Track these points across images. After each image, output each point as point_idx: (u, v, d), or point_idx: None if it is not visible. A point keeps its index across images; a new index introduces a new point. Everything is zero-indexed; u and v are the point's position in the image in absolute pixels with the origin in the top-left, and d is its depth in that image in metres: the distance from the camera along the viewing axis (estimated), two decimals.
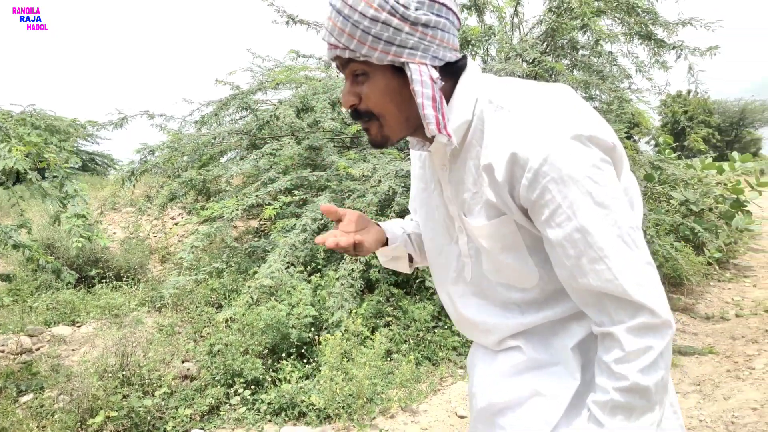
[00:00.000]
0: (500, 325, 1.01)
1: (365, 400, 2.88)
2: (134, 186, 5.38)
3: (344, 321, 3.65)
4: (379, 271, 4.30)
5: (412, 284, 4.78)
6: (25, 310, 4.76)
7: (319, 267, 4.51)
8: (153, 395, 3.07)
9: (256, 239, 5.57)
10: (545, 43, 5.76)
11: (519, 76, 5.51)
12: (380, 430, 2.77)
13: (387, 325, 4.04)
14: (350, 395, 2.85)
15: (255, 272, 4.21)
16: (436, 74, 0.87)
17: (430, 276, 4.06)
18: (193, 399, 3.19)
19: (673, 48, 5.59)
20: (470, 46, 6.19)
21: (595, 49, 5.59)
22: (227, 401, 3.24)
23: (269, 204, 4.69)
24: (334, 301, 3.77)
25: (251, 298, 3.80)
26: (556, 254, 0.85)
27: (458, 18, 0.91)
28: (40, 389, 3.55)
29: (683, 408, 3.18)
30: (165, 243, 7.38)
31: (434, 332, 3.98)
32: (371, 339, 3.41)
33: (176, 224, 8.45)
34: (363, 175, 4.46)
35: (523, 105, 0.85)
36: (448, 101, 0.92)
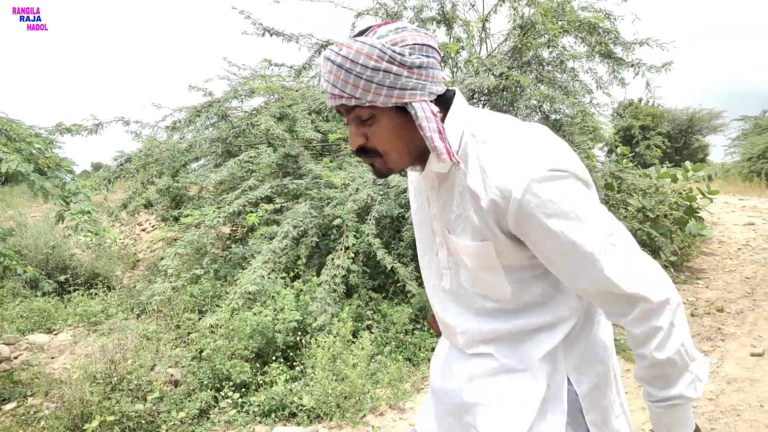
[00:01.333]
0: (474, 330, 1.11)
1: (356, 399, 3.01)
2: (108, 192, 5.35)
3: (327, 325, 3.78)
4: (357, 276, 4.44)
5: (389, 288, 4.94)
6: None
7: (299, 273, 4.61)
8: (144, 400, 3.12)
9: (231, 246, 5.61)
10: (512, 58, 6.04)
11: (487, 89, 5.77)
12: (372, 427, 2.91)
13: (368, 328, 4.18)
14: (341, 395, 2.98)
15: (236, 279, 4.28)
16: (436, 108, 0.99)
17: (411, 281, 4.23)
18: (183, 403, 3.26)
19: (632, 66, 5.96)
20: (442, 62, 6.42)
21: (560, 66, 5.90)
22: (216, 404, 3.32)
23: (251, 211, 4.77)
24: (317, 306, 3.88)
25: (236, 304, 3.88)
26: (555, 268, 0.97)
27: (440, 54, 1.02)
28: (24, 397, 3.54)
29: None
30: (134, 250, 7.32)
31: (413, 334, 4.14)
32: (356, 341, 3.54)
33: (144, 230, 8.37)
34: (343, 184, 4.59)
35: (504, 140, 0.97)
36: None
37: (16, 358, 4.08)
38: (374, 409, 3.09)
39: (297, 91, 5.83)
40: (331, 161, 5.59)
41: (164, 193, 5.73)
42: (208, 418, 3.23)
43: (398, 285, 4.82)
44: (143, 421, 3.02)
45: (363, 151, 1.03)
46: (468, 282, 1.10)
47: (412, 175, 1.25)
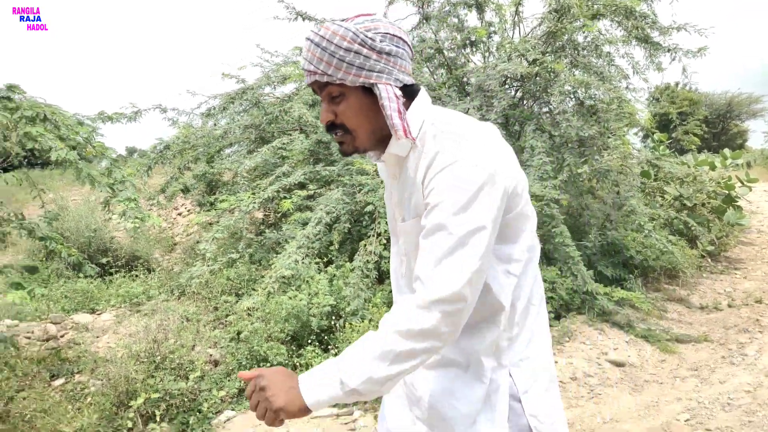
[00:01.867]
0: None
1: None
2: (149, 177, 5.51)
3: (360, 309, 3.84)
4: (389, 262, 4.48)
5: None
6: (39, 299, 4.88)
7: (332, 258, 4.68)
8: (186, 378, 3.24)
9: (265, 231, 5.72)
10: (546, 43, 5.95)
11: (521, 75, 5.70)
12: None
13: None
14: None
15: (271, 263, 4.37)
16: (399, 92, 1.07)
17: None
18: (222, 382, 3.37)
19: (668, 51, 5.81)
20: (473, 47, 6.37)
21: (595, 51, 5.79)
22: None
23: (284, 197, 4.85)
24: (350, 291, 3.95)
25: (272, 288, 3.97)
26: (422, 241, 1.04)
27: (411, 50, 1.12)
28: (71, 374, 3.70)
29: (682, 391, 3.42)
30: (170, 233, 7.51)
31: None
32: None
33: (180, 215, 8.57)
34: (375, 170, 4.63)
35: (455, 136, 1.05)
36: None
37: (62, 336, 4.26)
38: None
39: None
40: None
41: (200, 178, 5.86)
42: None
43: None
44: (185, 399, 3.14)
45: (332, 128, 1.12)
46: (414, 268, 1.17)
47: (382, 169, 1.31)
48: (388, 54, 1.05)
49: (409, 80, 1.10)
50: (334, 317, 3.87)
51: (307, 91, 5.83)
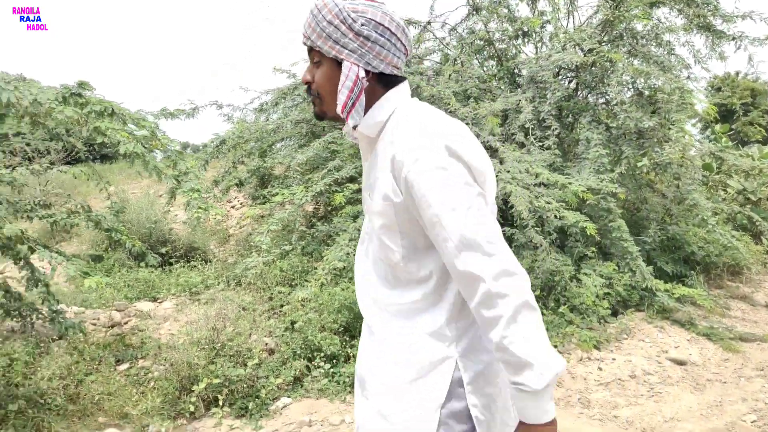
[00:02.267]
0: (374, 296, 1.22)
1: None
2: (206, 171, 5.68)
3: None
4: None
5: None
6: (102, 287, 5.11)
7: None
8: (245, 365, 3.34)
9: (316, 223, 5.80)
10: (603, 32, 5.77)
11: (575, 66, 5.56)
12: None
13: None
14: None
15: (324, 255, 4.44)
16: (362, 74, 1.12)
17: None
18: (279, 370, 3.45)
19: (733, 39, 5.54)
20: (525, 37, 6.25)
21: (655, 40, 5.58)
22: (309, 373, 3.49)
23: (336, 191, 4.91)
24: None
25: (325, 279, 4.03)
26: (432, 238, 1.06)
27: (403, 43, 1.16)
28: (135, 359, 3.87)
29: (748, 392, 3.29)
30: (225, 226, 7.72)
31: None
32: None
33: (233, 207, 8.80)
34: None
35: (415, 121, 1.10)
36: (374, 102, 1.16)
37: (126, 323, 4.45)
38: None
39: None
40: None
41: (254, 173, 6.00)
42: (302, 386, 3.41)
43: None
44: (244, 385, 3.23)
45: (309, 89, 1.21)
46: (376, 246, 1.20)
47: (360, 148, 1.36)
48: (366, 38, 1.11)
49: (385, 68, 1.15)
50: None
51: None
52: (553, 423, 1.01)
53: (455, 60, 6.32)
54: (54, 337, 3.85)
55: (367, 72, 1.13)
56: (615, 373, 3.61)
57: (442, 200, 1.01)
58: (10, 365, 3.35)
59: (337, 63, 1.13)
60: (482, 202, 1.04)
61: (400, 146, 1.07)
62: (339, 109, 1.12)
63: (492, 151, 4.95)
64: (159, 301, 4.92)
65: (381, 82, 1.17)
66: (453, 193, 1.02)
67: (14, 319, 3.81)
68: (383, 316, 1.20)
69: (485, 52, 6.66)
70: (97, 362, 3.67)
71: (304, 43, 1.18)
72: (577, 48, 5.53)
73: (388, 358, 1.17)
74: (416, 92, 5.26)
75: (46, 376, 3.28)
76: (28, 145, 7.97)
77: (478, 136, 4.91)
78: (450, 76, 5.86)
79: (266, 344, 3.85)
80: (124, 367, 3.80)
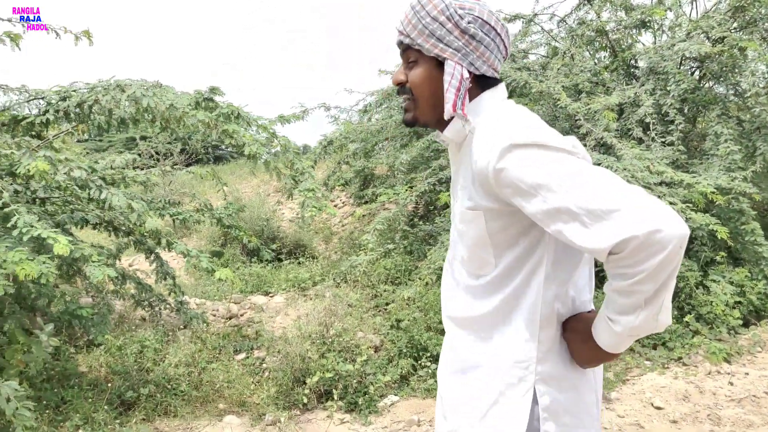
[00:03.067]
0: (457, 306, 1.14)
1: None
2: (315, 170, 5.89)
3: None
4: None
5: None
6: (231, 280, 5.44)
7: None
8: (353, 361, 3.40)
9: (419, 222, 5.81)
10: (733, 18, 5.27)
11: (701, 55, 5.12)
12: None
13: None
14: None
15: (429, 254, 4.43)
16: (467, 75, 1.05)
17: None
18: (386, 368, 3.49)
19: None
20: (644, 27, 5.85)
21: None
22: (415, 372, 3.49)
23: (440, 191, 4.89)
24: None
25: (429, 278, 4.02)
26: (547, 228, 0.95)
27: (505, 46, 1.09)
28: (250, 349, 4.08)
29: None
30: (329, 224, 7.97)
31: None
32: None
33: (335, 206, 9.06)
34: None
35: (495, 123, 1.01)
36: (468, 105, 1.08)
37: (242, 315, 4.71)
38: None
39: None
40: None
41: (359, 173, 6.14)
42: (408, 384, 3.42)
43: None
44: (354, 381, 3.30)
45: (402, 91, 1.13)
46: (463, 252, 1.12)
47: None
48: (471, 36, 1.05)
49: (486, 70, 1.08)
50: None
51: None
52: (617, 357, 1.02)
53: (564, 53, 6.06)
54: (179, 327, 4.16)
55: (469, 73, 1.06)
56: (748, 389, 3.28)
57: (544, 175, 0.91)
58: (141, 351, 3.65)
59: (438, 63, 1.07)
60: (577, 161, 0.92)
61: (486, 145, 0.98)
62: (449, 108, 1.04)
63: (607, 148, 4.69)
64: (270, 295, 5.16)
65: (479, 85, 1.10)
66: (553, 177, 0.90)
67: (145, 308, 4.16)
68: (461, 333, 1.15)
69: (596, 44, 6.33)
70: (217, 351, 3.91)
71: (401, 42, 1.11)
72: (704, 36, 5.09)
73: (465, 380, 1.12)
74: (524, 88, 5.11)
75: (173, 362, 3.54)
76: (154, 148, 8.73)
77: (591, 132, 4.67)
78: (558, 69, 5.63)
79: (372, 342, 3.90)
80: (241, 356, 4.02)
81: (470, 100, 1.09)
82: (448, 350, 1.21)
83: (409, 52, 1.10)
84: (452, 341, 1.18)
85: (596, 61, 6.45)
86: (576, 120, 5.13)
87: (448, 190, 4.86)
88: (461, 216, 1.09)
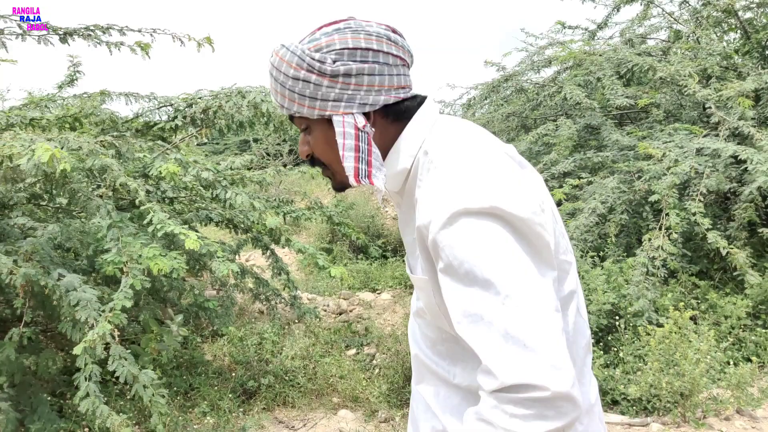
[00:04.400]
0: (421, 359, 0.99)
1: (696, 398, 2.71)
2: None
3: (647, 311, 3.47)
4: (676, 260, 3.97)
5: (714, 275, 4.30)
6: (324, 278, 5.58)
7: (606, 252, 4.34)
8: None
9: None
10: None
11: None
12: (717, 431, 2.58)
13: (692, 319, 3.71)
14: (677, 391, 2.70)
15: None
16: (362, 122, 0.87)
17: (748, 268, 3.61)
18: None
19: None
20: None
21: None
22: None
23: (552, 186, 4.67)
24: (633, 290, 3.60)
25: None
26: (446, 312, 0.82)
27: (400, 53, 0.89)
28: (360, 345, 4.14)
29: None
30: None
31: (754, 331, 3.54)
32: (688, 334, 3.17)
33: None
34: (664, 154, 4.13)
35: (447, 168, 0.81)
36: (388, 146, 0.91)
37: (351, 311, 4.80)
38: (719, 413, 2.73)
39: (601, 55, 5.43)
40: (638, 130, 5.09)
41: None
42: None
43: (727, 272, 4.17)
44: None
45: (313, 162, 0.97)
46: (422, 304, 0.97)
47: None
48: (346, 75, 0.85)
49: (389, 99, 0.89)
50: (616, 317, 3.58)
51: (581, 72, 5.49)
52: None
53: (688, 36, 5.57)
54: (294, 321, 4.31)
55: (367, 115, 0.89)
56: None
57: (476, 274, 0.74)
58: (260, 343, 3.82)
59: (328, 120, 0.89)
60: (521, 272, 0.74)
61: (433, 201, 0.80)
62: (352, 179, 0.87)
63: (742, 138, 4.24)
64: (377, 292, 5.21)
65: (389, 117, 0.91)
66: (487, 275, 0.73)
67: (262, 302, 4.35)
68: (430, 391, 0.99)
69: (725, 25, 5.76)
70: (329, 346, 4.00)
71: (282, 114, 1.00)
72: None
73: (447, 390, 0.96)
74: (646, 74, 4.75)
75: (290, 355, 3.67)
76: (265, 149, 9.16)
77: (723, 122, 4.25)
78: (683, 54, 5.18)
79: None
80: (352, 352, 4.09)
81: (390, 140, 0.92)
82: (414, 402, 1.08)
83: (296, 120, 0.94)
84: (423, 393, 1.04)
85: (725, 44, 5.86)
86: (706, 108, 4.68)
87: (560, 186, 4.63)
88: (413, 278, 0.95)
